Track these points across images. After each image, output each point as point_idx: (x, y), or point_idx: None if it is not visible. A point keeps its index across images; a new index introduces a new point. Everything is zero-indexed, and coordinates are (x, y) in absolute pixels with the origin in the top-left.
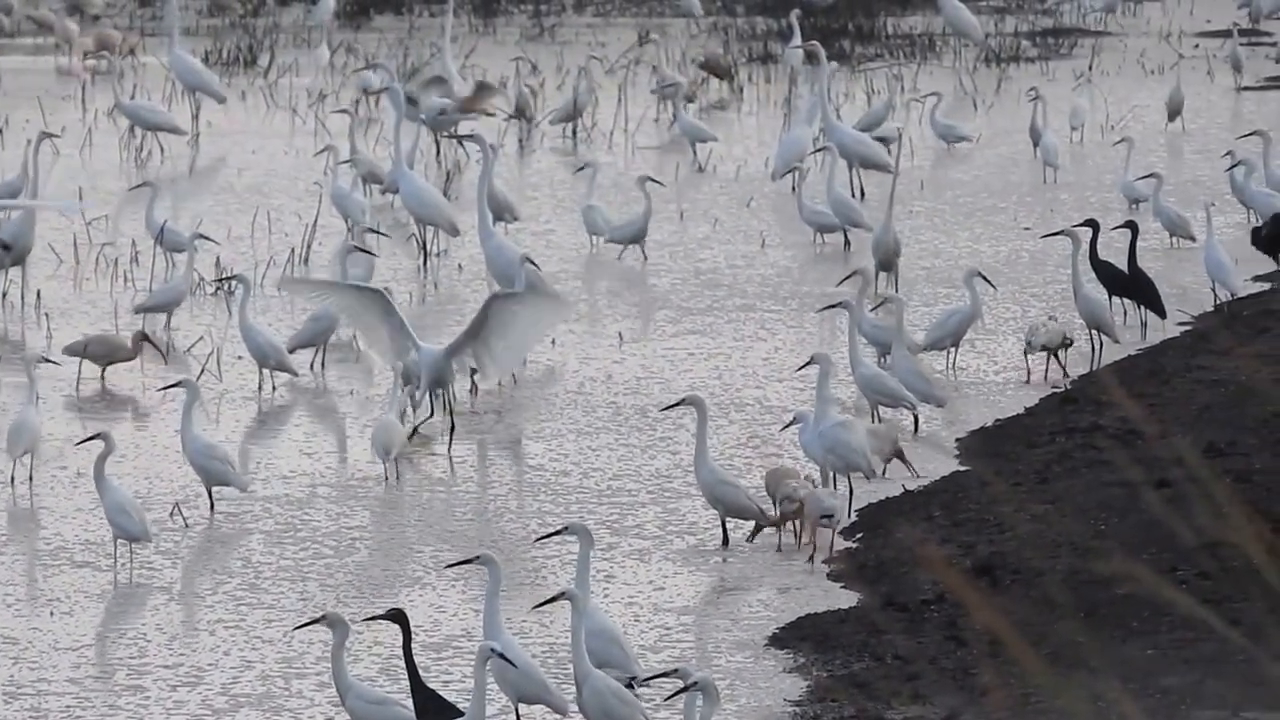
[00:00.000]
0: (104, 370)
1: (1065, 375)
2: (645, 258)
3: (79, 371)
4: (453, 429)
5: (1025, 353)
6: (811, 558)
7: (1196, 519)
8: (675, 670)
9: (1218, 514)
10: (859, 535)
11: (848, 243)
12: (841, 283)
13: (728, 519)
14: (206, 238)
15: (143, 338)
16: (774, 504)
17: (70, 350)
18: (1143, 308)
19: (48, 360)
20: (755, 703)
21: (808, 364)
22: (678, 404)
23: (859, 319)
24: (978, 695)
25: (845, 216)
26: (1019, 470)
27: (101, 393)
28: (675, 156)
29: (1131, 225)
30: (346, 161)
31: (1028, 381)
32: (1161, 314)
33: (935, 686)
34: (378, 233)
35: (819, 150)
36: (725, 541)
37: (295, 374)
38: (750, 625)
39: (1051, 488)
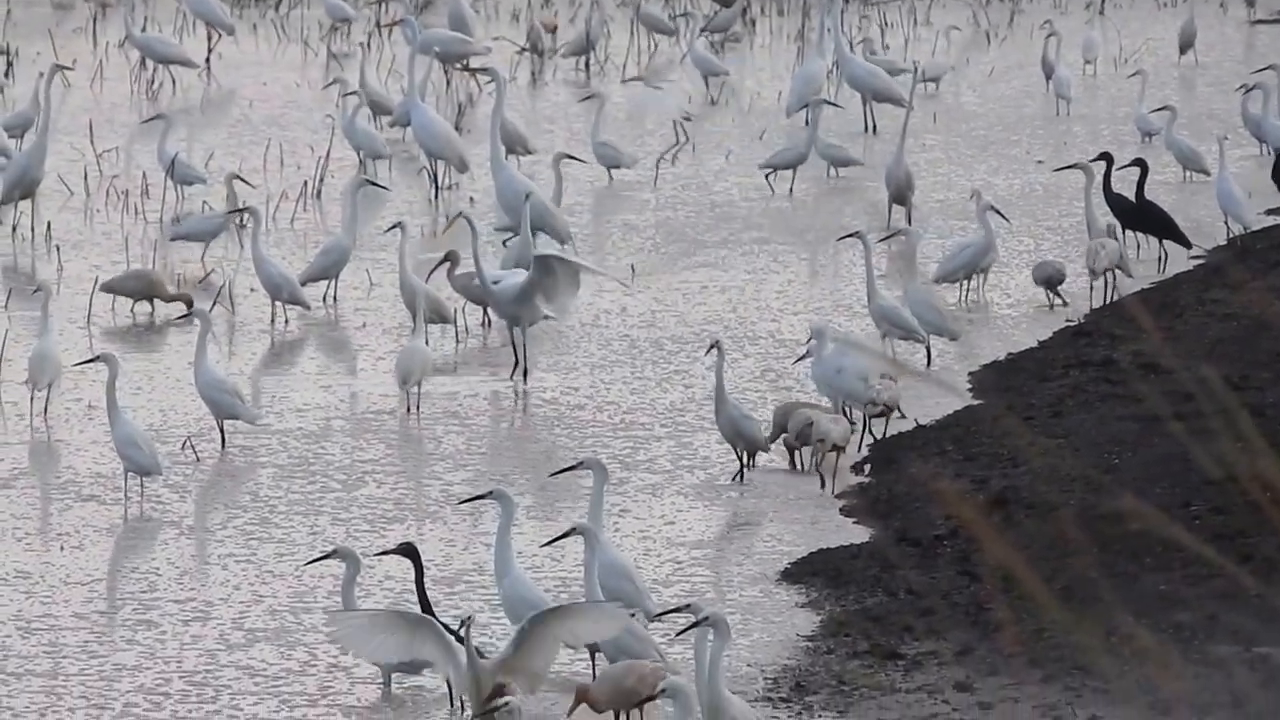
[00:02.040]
0: (134, 305)
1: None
2: (656, 187)
3: (89, 305)
4: (519, 368)
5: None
6: (823, 484)
7: (1210, 453)
8: (687, 605)
9: (1231, 449)
10: (871, 470)
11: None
12: (884, 239)
13: (746, 453)
14: (244, 180)
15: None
16: (784, 435)
17: (109, 287)
18: (1160, 240)
19: (40, 289)
20: (768, 638)
21: (808, 345)
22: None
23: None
24: (991, 630)
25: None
26: (1032, 404)
27: (115, 325)
28: (687, 89)
29: (1140, 163)
30: (353, 92)
31: (1057, 307)
32: (1185, 243)
33: (948, 621)
34: (376, 184)
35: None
36: (741, 477)
37: (308, 307)
38: (763, 560)
39: (1064, 422)
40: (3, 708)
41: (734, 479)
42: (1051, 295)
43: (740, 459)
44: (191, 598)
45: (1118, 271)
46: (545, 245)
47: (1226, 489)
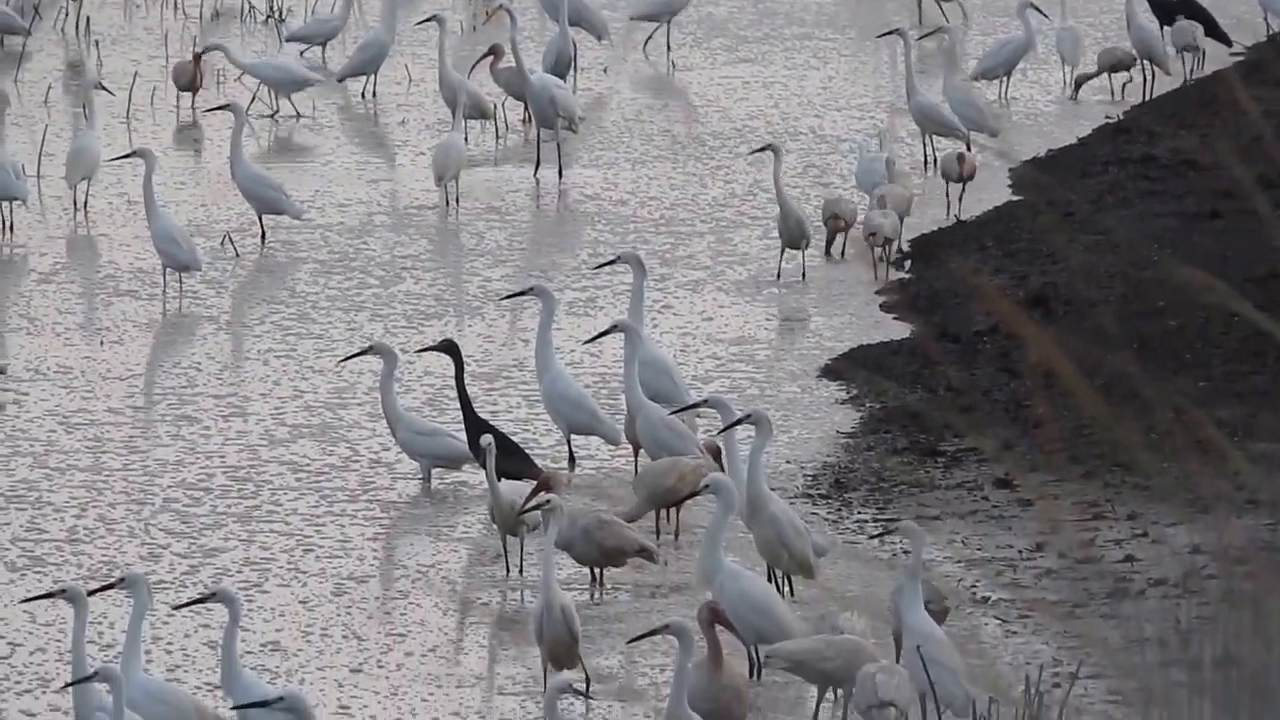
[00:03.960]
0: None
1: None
2: None
3: (129, 100)
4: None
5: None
6: (877, 265)
7: (1248, 249)
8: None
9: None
10: (912, 266)
11: None
12: (925, 37)
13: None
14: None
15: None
16: (825, 223)
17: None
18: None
19: (103, 88)
20: (807, 434)
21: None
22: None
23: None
24: (1030, 427)
25: None
26: (1071, 201)
27: (155, 121)
28: None
29: None
30: None
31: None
32: (1226, 41)
33: (988, 418)
34: None
35: None
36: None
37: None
38: (803, 356)
39: (1104, 218)
40: (44, 502)
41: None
42: (1113, 76)
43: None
44: (231, 393)
45: (1156, 69)
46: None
47: (1268, 284)
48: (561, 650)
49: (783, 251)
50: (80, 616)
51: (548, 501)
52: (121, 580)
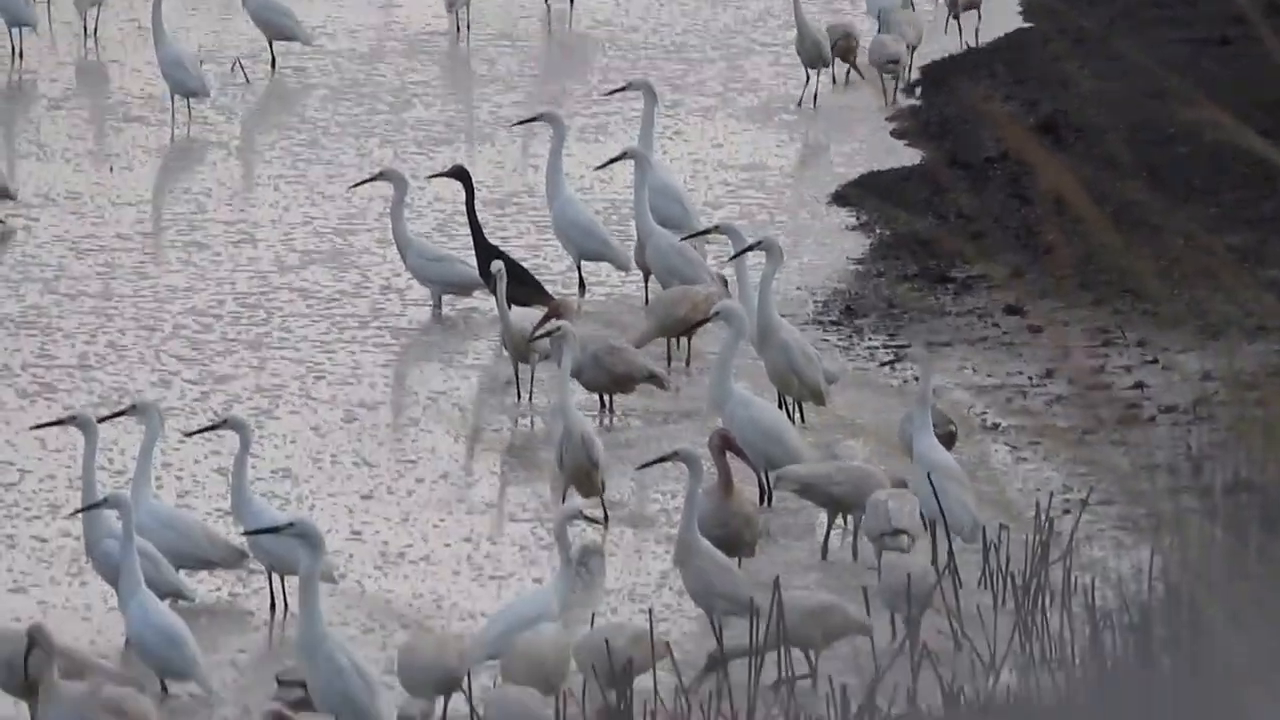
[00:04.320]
0: None
1: None
2: None
3: None
4: None
5: None
6: (888, 92)
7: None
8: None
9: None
10: (922, 93)
11: None
12: None
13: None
14: None
15: None
16: (834, 46)
17: None
18: None
19: None
20: (818, 261)
21: None
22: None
23: None
24: (1041, 254)
25: None
26: (1082, 27)
27: None
28: None
29: None
30: None
31: None
32: None
33: (998, 245)
34: None
35: None
36: (801, 102)
37: None
38: (814, 182)
39: (1114, 45)
40: (54, 328)
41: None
42: None
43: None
44: (241, 219)
45: None
46: None
47: (1276, 110)
48: (582, 477)
49: (807, 77)
50: (90, 443)
51: (558, 328)
52: (132, 407)
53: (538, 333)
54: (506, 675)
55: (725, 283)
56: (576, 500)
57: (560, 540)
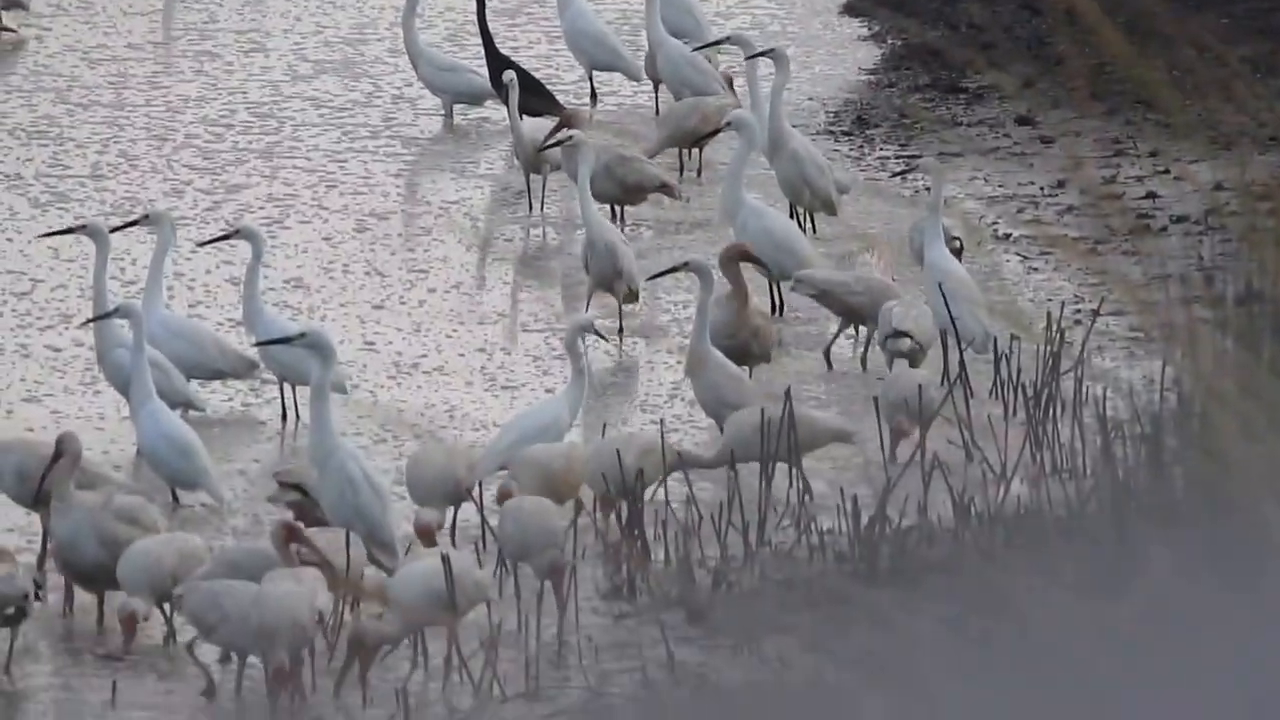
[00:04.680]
0: None
1: None
2: None
3: None
4: None
5: None
6: None
7: None
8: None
9: None
10: None
11: None
12: None
13: None
14: None
15: None
16: None
17: None
18: None
19: None
20: (829, 71)
21: None
22: None
23: None
24: (1053, 64)
25: None
26: None
27: None
28: None
29: None
30: None
31: None
32: None
33: (1010, 55)
34: None
35: None
36: None
37: None
38: None
39: None
40: (66, 138)
41: None
42: None
43: None
44: (253, 28)
45: None
46: None
47: None
48: (607, 284)
49: None
50: (102, 253)
51: (570, 137)
52: (145, 216)
53: (549, 142)
54: (516, 485)
55: (733, 86)
56: (590, 313)
57: (572, 351)
